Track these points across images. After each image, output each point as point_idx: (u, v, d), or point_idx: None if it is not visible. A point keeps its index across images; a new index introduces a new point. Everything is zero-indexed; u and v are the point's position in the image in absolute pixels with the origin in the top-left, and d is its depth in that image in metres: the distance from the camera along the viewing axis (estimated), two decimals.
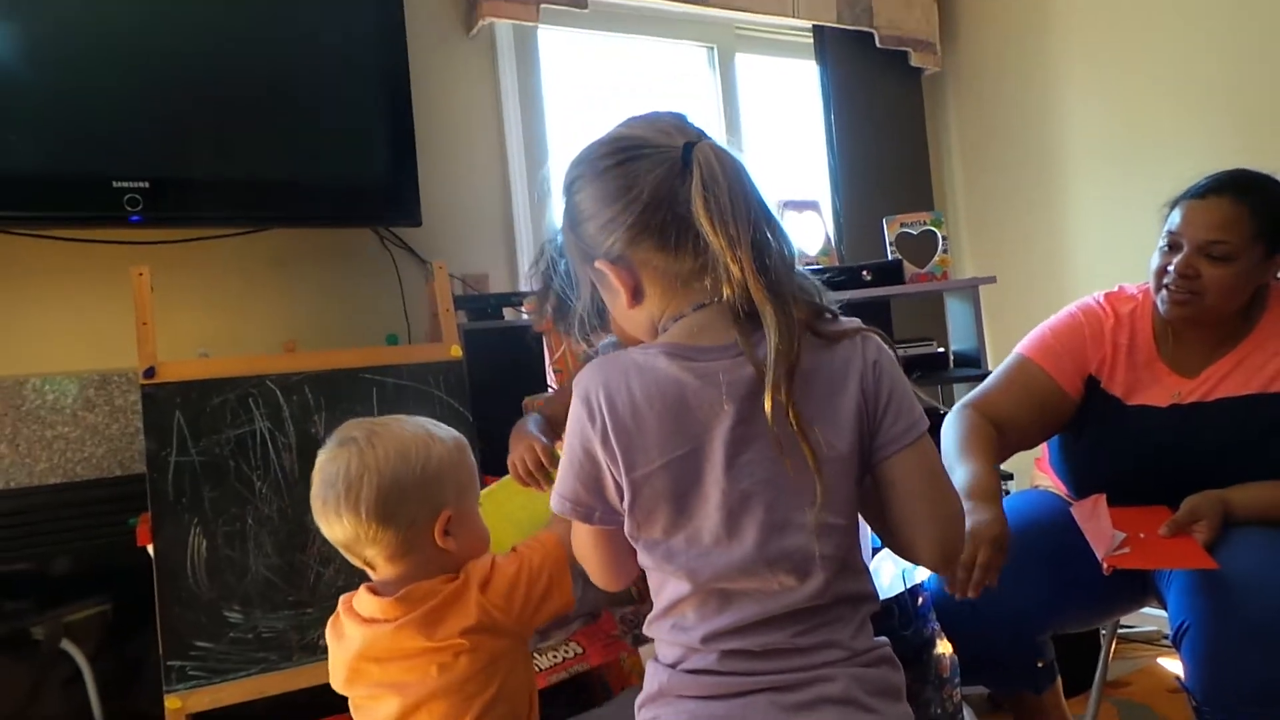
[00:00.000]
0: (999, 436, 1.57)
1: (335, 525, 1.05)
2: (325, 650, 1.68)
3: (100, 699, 1.74)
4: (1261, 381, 1.48)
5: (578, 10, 2.53)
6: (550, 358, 2.10)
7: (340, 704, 1.73)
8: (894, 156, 3.23)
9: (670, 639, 0.95)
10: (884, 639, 0.96)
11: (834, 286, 2.73)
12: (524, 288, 2.52)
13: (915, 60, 3.20)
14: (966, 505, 1.27)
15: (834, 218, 3.03)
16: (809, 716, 0.88)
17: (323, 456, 1.08)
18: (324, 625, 1.69)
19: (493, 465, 1.97)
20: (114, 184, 1.88)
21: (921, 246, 2.63)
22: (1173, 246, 1.51)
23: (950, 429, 1.57)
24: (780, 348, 0.86)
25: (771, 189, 2.92)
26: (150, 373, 1.71)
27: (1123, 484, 1.54)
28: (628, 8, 2.70)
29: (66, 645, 1.74)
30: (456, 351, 1.98)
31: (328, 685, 1.71)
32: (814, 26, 3.04)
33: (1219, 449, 1.49)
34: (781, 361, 0.86)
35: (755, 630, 0.90)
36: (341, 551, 1.09)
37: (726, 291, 0.89)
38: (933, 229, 2.64)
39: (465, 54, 2.52)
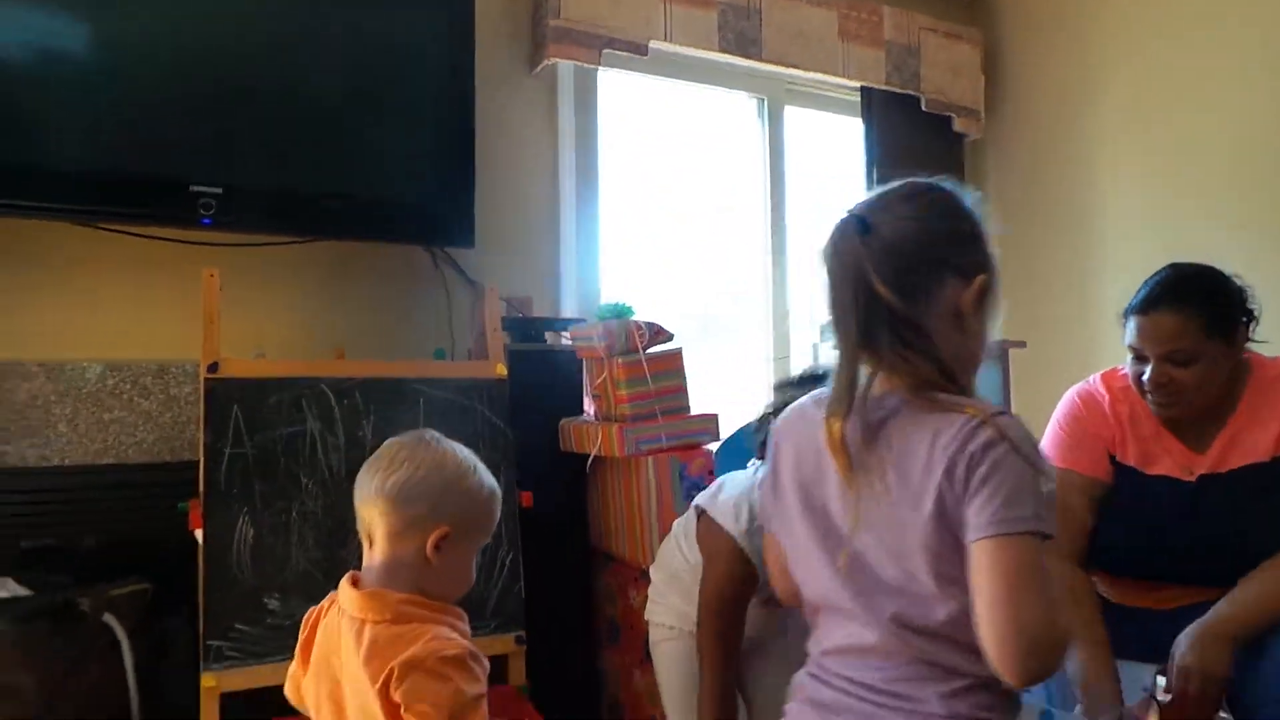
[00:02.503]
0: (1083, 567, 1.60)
1: (364, 486, 1.18)
2: None
3: (135, 673, 1.81)
4: (1265, 449, 1.52)
5: (638, 56, 2.64)
6: (590, 383, 2.19)
7: None
8: None
9: (809, 645, 1.10)
10: (996, 715, 0.95)
11: None
12: (566, 313, 2.61)
13: (959, 126, 3.29)
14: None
15: None
16: None
17: (390, 439, 1.21)
18: None
19: (525, 481, 2.05)
20: (190, 188, 1.99)
21: None
22: (1139, 358, 1.56)
23: None
24: (834, 394, 0.99)
25: (812, 238, 3.01)
26: (214, 368, 1.81)
27: (1141, 552, 1.57)
28: (685, 56, 2.81)
29: (108, 619, 1.81)
30: (502, 370, 2.06)
31: None
32: (862, 87, 3.14)
33: (1237, 517, 1.52)
34: (834, 407, 0.98)
35: (850, 658, 1.00)
36: (358, 519, 1.20)
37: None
38: None
39: (528, 90, 2.63)
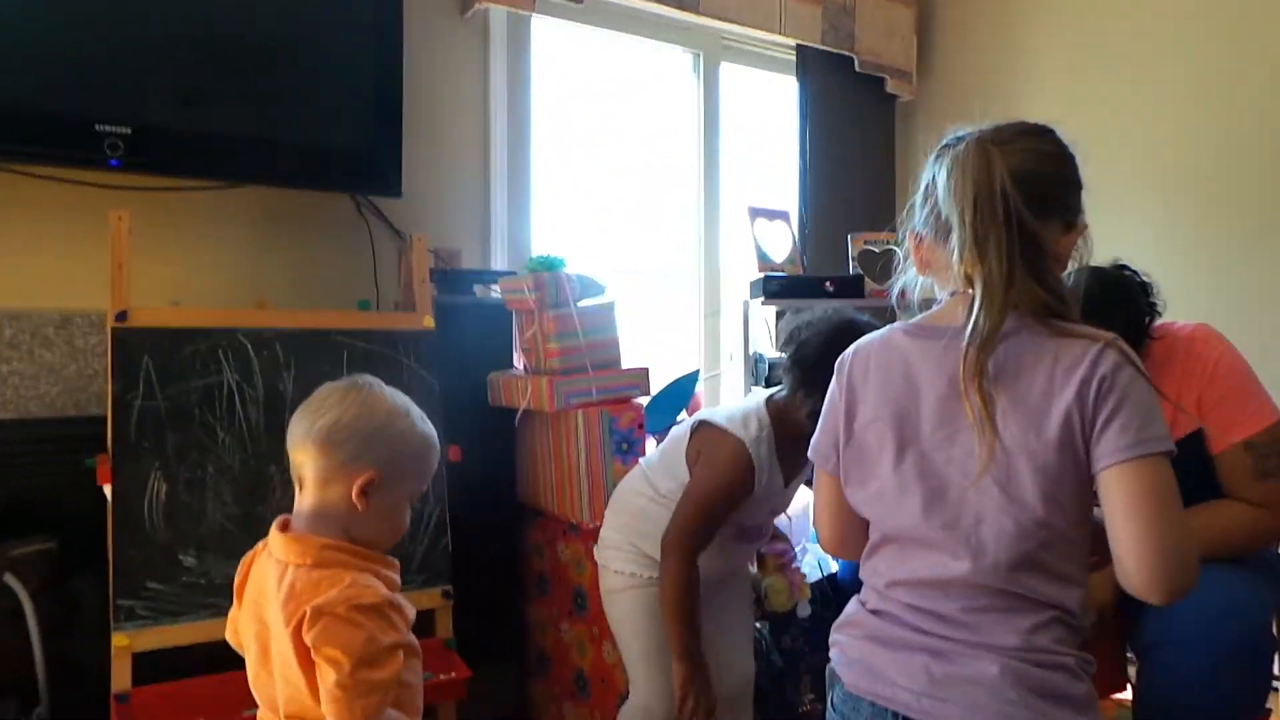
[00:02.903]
0: None
1: (294, 430, 1.15)
2: None
3: (40, 634, 1.74)
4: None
5: (573, 4, 2.58)
6: (520, 337, 2.15)
7: None
8: (863, 176, 3.33)
9: (867, 579, 1.08)
10: (1070, 651, 0.95)
11: (796, 295, 2.82)
12: (497, 265, 2.56)
13: (891, 87, 3.30)
14: None
15: (800, 229, 3.12)
16: (953, 690, 0.93)
17: (330, 383, 1.19)
18: None
19: (453, 436, 2.02)
20: (96, 127, 1.88)
21: (883, 264, 2.73)
22: None
23: None
24: (976, 323, 0.95)
25: (746, 195, 3.00)
26: (122, 316, 1.72)
27: None
28: (621, 7, 2.75)
29: (9, 579, 1.74)
30: (429, 322, 2.01)
31: None
32: (798, 45, 3.12)
33: None
34: (975, 336, 0.95)
35: (927, 589, 0.99)
36: (290, 462, 1.16)
37: (959, 271, 0.98)
38: (895, 248, 2.73)
39: (459, 35, 2.55)
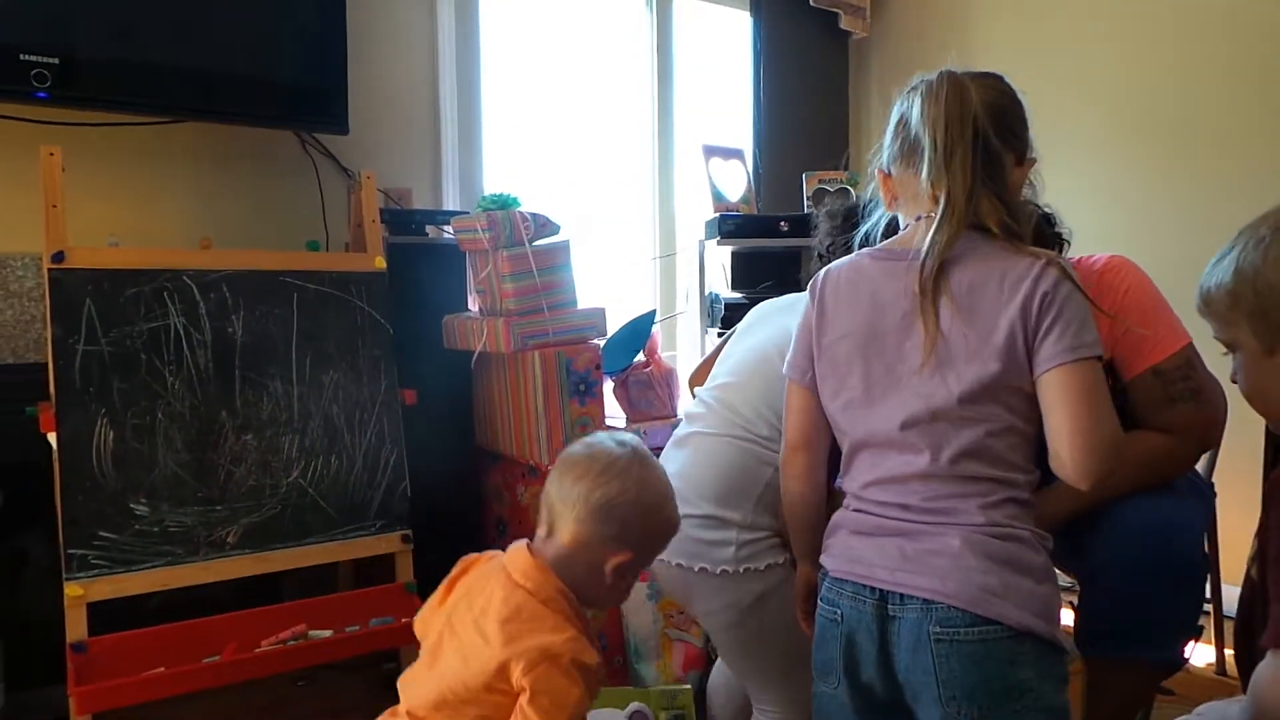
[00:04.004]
0: None
1: (566, 483, 1.14)
2: (232, 547, 1.71)
3: None
4: None
5: None
6: (474, 278, 2.12)
7: (229, 605, 1.76)
8: (817, 115, 3.31)
9: (847, 487, 1.16)
10: (1025, 525, 1.05)
11: (751, 234, 2.82)
12: (449, 206, 2.51)
13: (845, 24, 3.27)
14: None
15: (754, 168, 3.11)
16: (922, 563, 1.02)
17: (603, 441, 1.17)
18: (234, 523, 1.73)
19: (408, 379, 1.99)
20: (21, 57, 1.79)
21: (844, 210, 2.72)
22: None
23: None
24: (936, 231, 1.05)
25: (700, 134, 2.97)
26: (59, 257, 1.66)
27: None
28: None
29: None
30: (381, 263, 1.97)
31: (228, 584, 1.73)
32: None
33: None
34: (933, 245, 1.04)
35: (894, 485, 1.08)
36: (544, 504, 1.15)
37: (926, 190, 1.08)
38: (848, 188, 2.74)
39: None
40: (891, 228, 1.24)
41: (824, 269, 1.21)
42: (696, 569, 1.35)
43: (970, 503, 1.03)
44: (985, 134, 1.06)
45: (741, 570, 1.33)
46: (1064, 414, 1.01)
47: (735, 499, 1.35)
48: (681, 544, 1.32)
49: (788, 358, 1.23)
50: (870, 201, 1.32)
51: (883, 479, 1.10)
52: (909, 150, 1.12)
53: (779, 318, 1.47)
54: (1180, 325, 1.45)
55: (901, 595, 1.03)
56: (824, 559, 1.15)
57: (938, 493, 1.05)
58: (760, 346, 1.45)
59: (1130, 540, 1.35)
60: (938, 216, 1.05)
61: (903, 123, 1.13)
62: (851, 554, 1.10)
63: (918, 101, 1.10)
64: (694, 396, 1.63)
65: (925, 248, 1.05)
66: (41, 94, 1.81)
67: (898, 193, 1.17)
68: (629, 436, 1.19)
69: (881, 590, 1.04)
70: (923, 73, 1.14)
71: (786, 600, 1.33)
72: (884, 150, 1.18)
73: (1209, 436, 1.47)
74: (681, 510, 1.24)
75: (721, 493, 1.36)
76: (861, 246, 1.26)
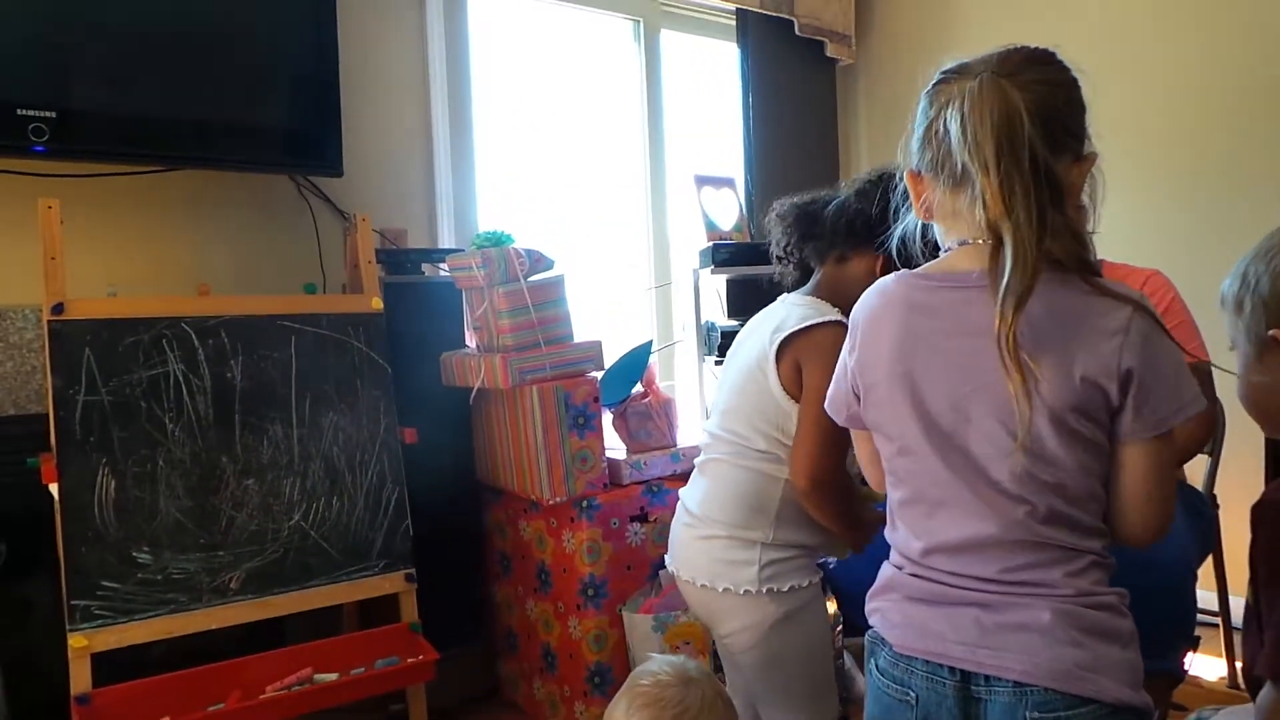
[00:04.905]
0: None
1: (634, 712, 1.13)
2: (235, 593, 1.71)
3: None
4: None
5: None
6: (471, 315, 2.13)
7: (233, 651, 1.76)
8: (806, 141, 3.34)
9: (897, 544, 1.04)
10: (1112, 589, 0.96)
11: (745, 262, 2.83)
12: (444, 244, 2.53)
13: (831, 51, 3.31)
14: None
15: (746, 195, 3.13)
16: (1008, 638, 0.92)
17: (666, 672, 1.16)
18: (237, 568, 1.73)
19: (408, 418, 2.00)
20: (18, 111, 1.81)
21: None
22: None
23: None
24: (1010, 281, 0.88)
25: (691, 163, 2.99)
26: (59, 309, 1.67)
27: None
28: None
29: None
30: (377, 303, 1.98)
31: (232, 629, 1.72)
32: (737, 10, 3.12)
33: None
34: (1009, 295, 0.88)
35: (964, 554, 0.96)
36: None
37: (982, 221, 0.91)
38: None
39: (394, 8, 2.49)
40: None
41: (860, 304, 1.07)
42: (720, 589, 1.36)
43: (1054, 571, 0.93)
44: (1042, 156, 0.89)
45: (764, 591, 1.34)
46: (1141, 484, 0.94)
47: (754, 518, 1.37)
48: (709, 564, 1.37)
49: (828, 395, 1.12)
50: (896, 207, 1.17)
51: (947, 546, 0.97)
52: (947, 170, 0.96)
53: (758, 330, 1.47)
54: (1202, 344, 1.49)
55: (987, 676, 0.93)
56: (878, 624, 1.04)
57: (1014, 564, 0.94)
58: (744, 364, 1.46)
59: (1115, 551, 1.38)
60: (1007, 258, 0.89)
61: (935, 133, 0.97)
62: (919, 627, 0.98)
63: (955, 114, 0.93)
64: None
65: (1001, 293, 0.89)
66: (39, 147, 1.84)
67: (932, 204, 1.01)
68: (684, 667, 1.17)
69: (963, 670, 0.94)
70: (952, 61, 0.99)
71: (809, 625, 1.34)
72: (912, 152, 1.02)
73: (1182, 454, 1.51)
74: (708, 531, 1.30)
75: (740, 514, 1.38)
76: (899, 252, 1.13)
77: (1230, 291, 1.02)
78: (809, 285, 1.48)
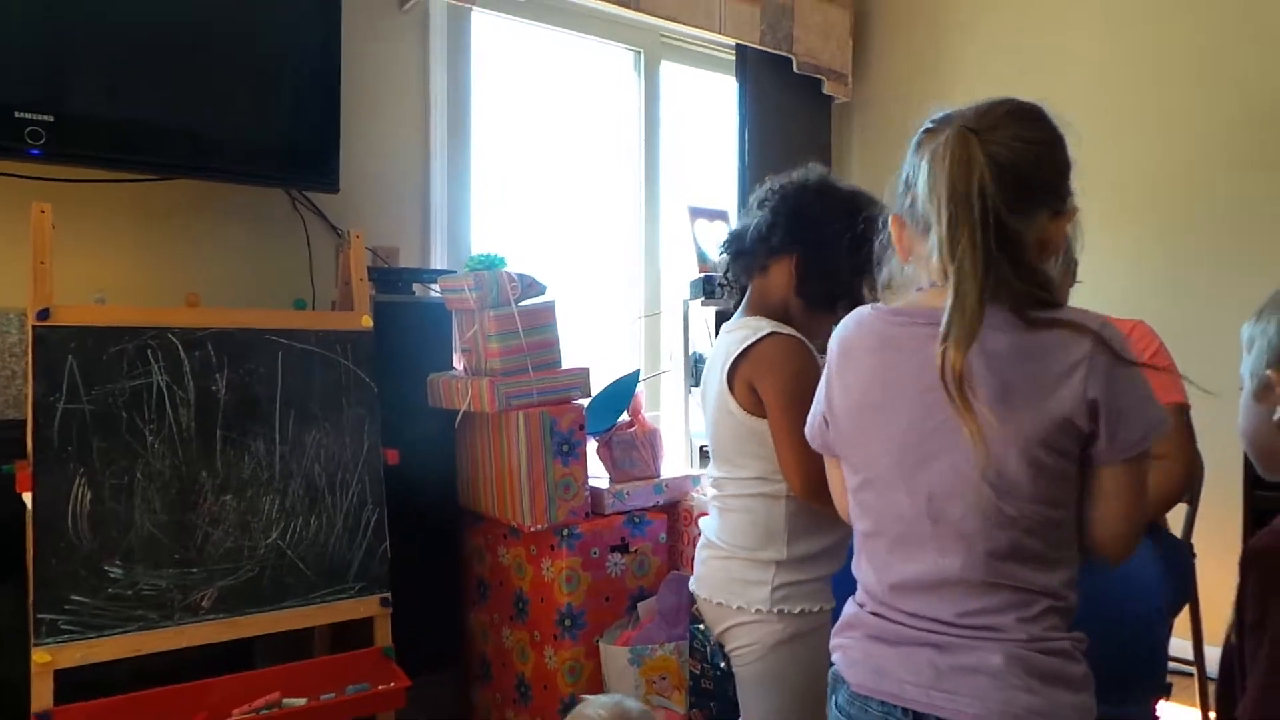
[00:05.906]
0: None
1: None
2: (207, 611, 1.68)
3: None
4: None
5: None
6: (460, 337, 2.12)
7: (201, 671, 1.72)
8: None
9: (862, 578, 1.06)
10: (1068, 634, 0.97)
11: None
12: (436, 264, 2.52)
13: (828, 88, 3.35)
14: None
15: None
16: (960, 681, 0.94)
17: (600, 715, 1.26)
18: (210, 585, 1.70)
19: (392, 438, 1.98)
20: (16, 114, 1.80)
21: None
22: None
23: None
24: (951, 322, 0.90)
25: (685, 195, 3.01)
26: (44, 314, 1.65)
27: None
28: (562, 2, 2.73)
29: None
30: (367, 321, 1.97)
31: (201, 649, 1.69)
32: (737, 45, 3.14)
33: None
34: (950, 334, 0.90)
35: (924, 595, 0.98)
36: None
37: (941, 270, 0.94)
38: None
39: (398, 27, 2.50)
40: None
41: (836, 332, 1.09)
42: (734, 606, 1.41)
43: (1009, 615, 0.95)
44: (997, 211, 0.92)
45: (775, 611, 1.38)
46: (1114, 507, 0.96)
47: (768, 540, 1.41)
48: (725, 583, 1.44)
49: (808, 420, 1.15)
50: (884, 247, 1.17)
51: (913, 583, 0.99)
52: (914, 217, 1.00)
53: (711, 367, 1.51)
54: (1181, 386, 1.50)
55: (940, 718, 0.95)
56: (839, 661, 1.06)
57: (970, 608, 0.95)
58: (710, 403, 1.51)
59: (1084, 600, 1.38)
60: (948, 304, 0.92)
61: (909, 181, 1.01)
62: (876, 667, 1.01)
63: (925, 167, 0.97)
64: None
65: (940, 335, 0.91)
66: (35, 151, 1.82)
67: (911, 250, 1.05)
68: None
69: (915, 712, 0.96)
70: (939, 112, 1.03)
71: (814, 650, 1.35)
72: (897, 197, 1.06)
73: (1161, 502, 1.51)
74: (726, 553, 1.41)
75: (754, 539, 1.42)
76: (817, 250, 1.28)
77: (1244, 332, 1.07)
78: (742, 305, 1.54)
